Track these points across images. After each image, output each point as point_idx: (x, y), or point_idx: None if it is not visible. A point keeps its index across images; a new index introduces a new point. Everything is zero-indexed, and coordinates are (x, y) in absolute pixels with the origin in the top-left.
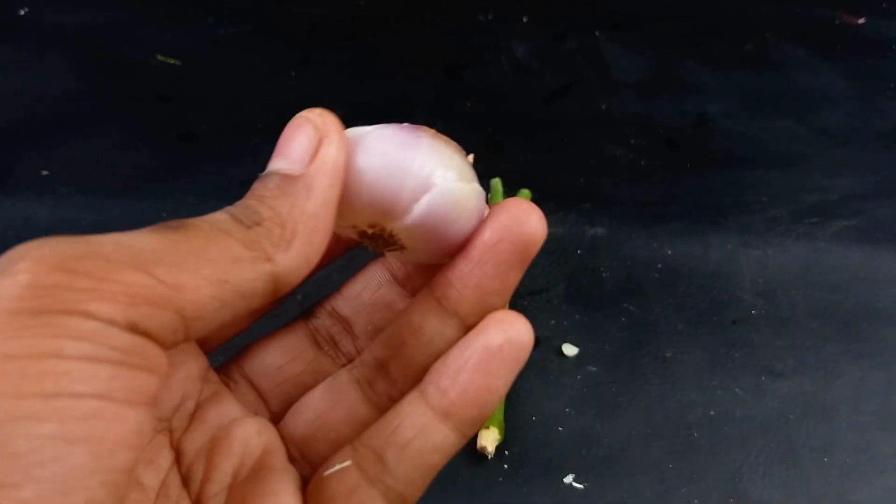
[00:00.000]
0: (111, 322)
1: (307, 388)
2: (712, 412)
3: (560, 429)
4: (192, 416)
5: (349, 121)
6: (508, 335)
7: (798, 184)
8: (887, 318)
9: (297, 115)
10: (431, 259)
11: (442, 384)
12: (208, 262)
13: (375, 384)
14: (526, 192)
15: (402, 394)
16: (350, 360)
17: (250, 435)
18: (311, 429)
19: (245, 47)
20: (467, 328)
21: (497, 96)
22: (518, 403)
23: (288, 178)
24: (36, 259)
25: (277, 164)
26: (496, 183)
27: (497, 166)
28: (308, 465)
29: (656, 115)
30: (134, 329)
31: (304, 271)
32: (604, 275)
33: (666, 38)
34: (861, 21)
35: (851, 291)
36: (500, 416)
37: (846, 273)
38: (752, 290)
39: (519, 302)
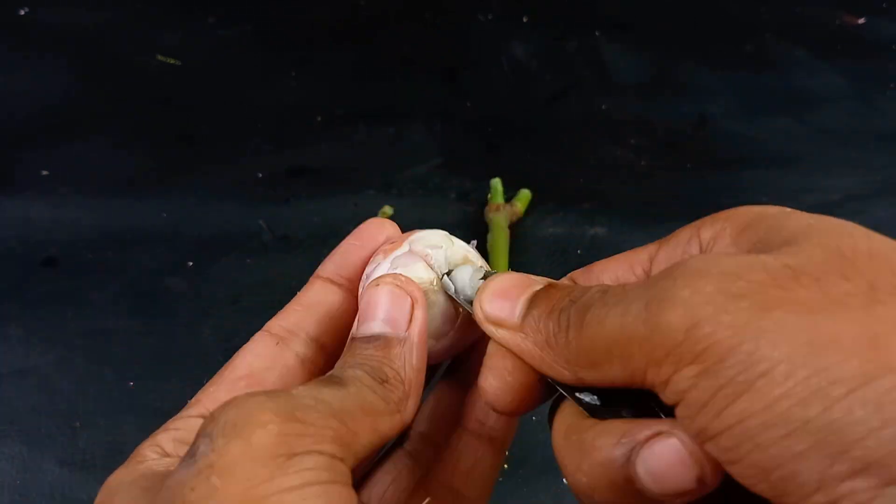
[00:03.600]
0: (333, 456)
1: None
2: None
3: None
4: None
5: (349, 121)
6: None
7: (798, 184)
8: None
9: (382, 281)
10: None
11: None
12: (367, 414)
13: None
14: (526, 192)
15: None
16: None
17: None
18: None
19: (245, 47)
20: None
21: (497, 97)
22: None
23: (395, 341)
24: (274, 411)
25: (377, 327)
26: (496, 183)
27: (497, 166)
28: None
29: (656, 115)
30: (341, 460)
31: (413, 417)
32: None
33: (666, 38)
34: (861, 21)
35: None
36: None
37: None
38: None
39: None
